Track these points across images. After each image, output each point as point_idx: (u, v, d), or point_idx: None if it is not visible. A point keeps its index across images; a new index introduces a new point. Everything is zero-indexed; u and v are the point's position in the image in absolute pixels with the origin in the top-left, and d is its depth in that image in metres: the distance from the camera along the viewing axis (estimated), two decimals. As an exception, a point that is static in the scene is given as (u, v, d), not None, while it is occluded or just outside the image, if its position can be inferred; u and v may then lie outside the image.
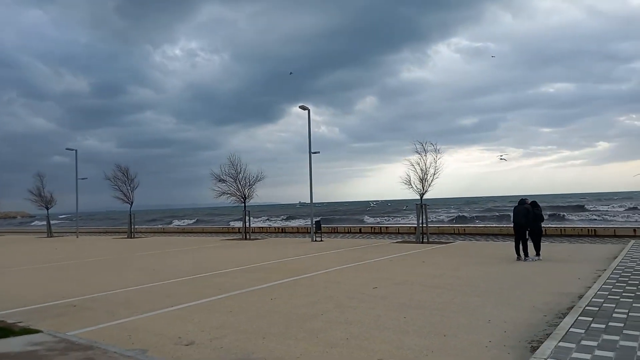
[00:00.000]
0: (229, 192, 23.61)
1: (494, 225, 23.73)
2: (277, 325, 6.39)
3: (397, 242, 18.95)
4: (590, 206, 53.33)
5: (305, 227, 28.09)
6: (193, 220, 61.82)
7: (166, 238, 28.68)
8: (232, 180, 23.73)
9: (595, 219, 35.79)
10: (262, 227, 31.40)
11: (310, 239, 21.14)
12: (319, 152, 21.49)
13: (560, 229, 20.39)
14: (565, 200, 73.03)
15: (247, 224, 23.74)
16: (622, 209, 47.06)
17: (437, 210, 53.94)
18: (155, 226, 47.33)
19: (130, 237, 28.78)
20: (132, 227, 29.46)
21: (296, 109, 21.68)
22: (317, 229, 20.91)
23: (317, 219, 22.20)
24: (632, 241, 15.89)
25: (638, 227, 19.42)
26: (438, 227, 23.99)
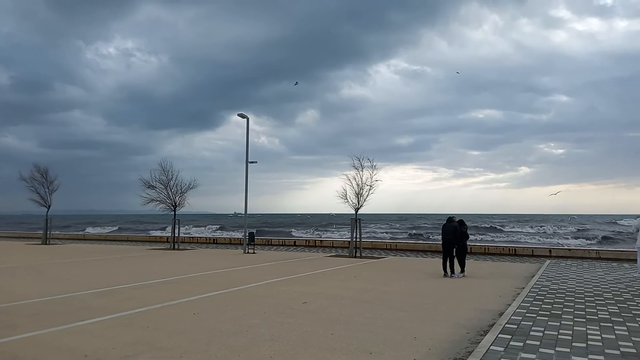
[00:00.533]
0: (159, 199, 22.57)
1: (424, 242, 24.49)
2: (197, 341, 6.01)
3: (330, 256, 18.94)
4: (511, 227, 56.71)
5: (238, 238, 27.43)
6: (115, 228, 58.49)
7: (86, 245, 26.83)
8: (163, 187, 22.74)
9: (516, 239, 38.02)
10: (192, 237, 30.23)
11: (242, 250, 20.62)
12: (256, 162, 21.14)
13: (484, 247, 21.38)
14: (489, 220, 77.27)
15: (176, 233, 22.76)
16: (538, 230, 50.49)
17: (368, 225, 54.98)
18: (76, 232, 44.24)
19: (46, 244, 26.63)
20: (48, 232, 27.31)
21: (236, 117, 21.18)
22: (250, 241, 20.46)
23: (251, 230, 21.72)
24: (548, 261, 16.93)
25: (553, 248, 20.81)
26: (371, 242, 24.34)
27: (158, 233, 40.85)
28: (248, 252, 20.13)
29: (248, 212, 21.22)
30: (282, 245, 24.73)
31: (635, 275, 12.47)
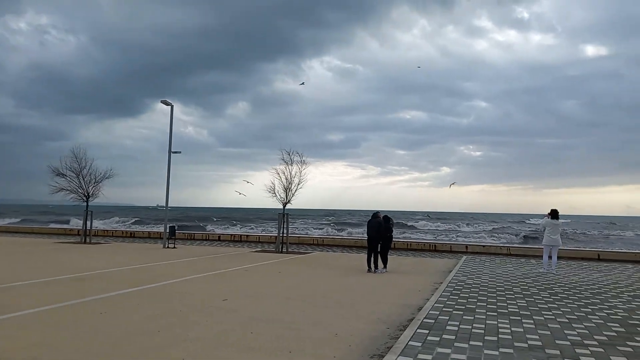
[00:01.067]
0: (69, 188, 20.87)
1: (349, 238, 24.88)
2: (105, 343, 5.50)
3: (256, 252, 18.60)
4: (432, 223, 59.45)
5: (158, 232, 26.15)
6: (17, 220, 53.51)
7: (-14, 238, 24.26)
8: (75, 176, 21.05)
9: (436, 236, 39.85)
10: (106, 230, 28.37)
11: (162, 245, 19.66)
12: (180, 152, 20.20)
13: (407, 243, 22.13)
14: (413, 217, 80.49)
15: (88, 225, 21.21)
16: (455, 227, 53.38)
17: (296, 220, 55.06)
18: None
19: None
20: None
21: (162, 105, 20.11)
22: (171, 235, 19.55)
23: (172, 224, 20.78)
24: (464, 257, 17.83)
25: (469, 244, 22.02)
26: (298, 237, 24.30)
27: (70, 225, 38.03)
28: (168, 247, 19.24)
29: (172, 205, 20.28)
30: (206, 239, 23.95)
31: (541, 270, 13.42)
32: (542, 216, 14.02)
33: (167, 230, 19.52)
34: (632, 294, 9.79)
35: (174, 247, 19.16)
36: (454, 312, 7.43)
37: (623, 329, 6.50)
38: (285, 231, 18.38)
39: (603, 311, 7.76)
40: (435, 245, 21.54)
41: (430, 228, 51.75)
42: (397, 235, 42.96)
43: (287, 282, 10.84)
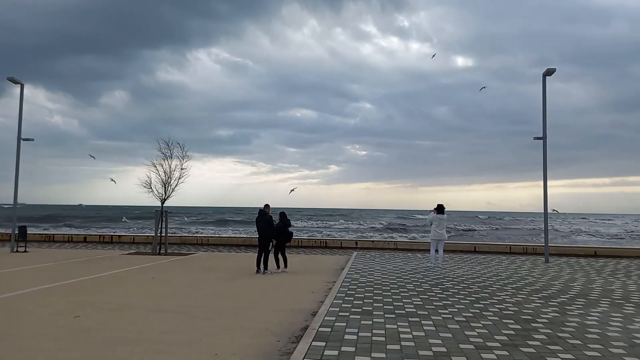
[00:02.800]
0: None
1: (238, 236, 23.56)
2: None
3: (128, 254, 16.46)
4: (322, 220, 60.30)
5: (6, 233, 22.20)
6: None
7: None
8: None
9: (326, 232, 40.12)
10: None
11: (10, 248, 16.51)
12: (32, 140, 17.05)
13: (298, 241, 21.50)
14: (303, 214, 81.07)
15: None
16: (343, 223, 54.67)
17: (175, 218, 51.92)
18: None
19: None
20: None
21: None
22: (21, 237, 16.47)
23: (23, 224, 17.63)
24: (355, 252, 17.64)
25: (359, 240, 22.11)
26: (180, 236, 22.33)
27: None
28: (17, 251, 16.19)
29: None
30: (69, 241, 20.86)
31: (428, 265, 13.55)
32: (427, 212, 14.17)
33: (16, 231, 16.40)
34: (514, 285, 10.06)
35: (25, 251, 16.15)
36: (351, 316, 6.73)
37: (519, 326, 6.32)
38: (163, 230, 16.52)
39: (495, 306, 7.66)
40: (326, 242, 21.22)
41: (317, 225, 52.26)
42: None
43: (161, 289, 9.36)
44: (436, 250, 13.56)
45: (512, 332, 5.97)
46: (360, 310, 7.17)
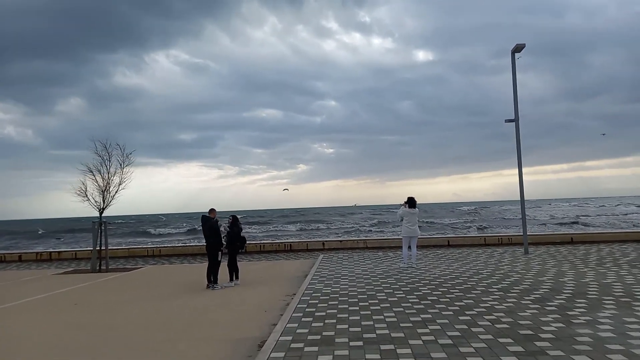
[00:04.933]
0: None
1: (194, 245, 21.64)
2: None
3: (63, 273, 14.41)
4: (291, 222, 58.59)
5: None
6: None
7: None
8: None
9: (293, 235, 38.53)
10: None
11: None
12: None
13: (260, 245, 19.83)
14: (273, 215, 79.10)
15: None
16: (312, 223, 53.14)
17: (112, 229, 49.32)
18: None
19: None
20: None
21: None
22: None
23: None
24: (321, 255, 16.13)
25: (326, 241, 20.59)
26: (129, 249, 20.22)
27: None
28: None
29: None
30: (1, 261, 18.50)
31: (401, 265, 12.17)
32: (397, 206, 12.77)
33: None
34: (499, 286, 8.76)
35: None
36: (307, 348, 5.19)
37: (521, 347, 4.92)
38: (103, 244, 14.54)
39: (484, 318, 6.27)
40: (290, 245, 19.59)
41: (288, 227, 50.57)
42: (254, 235, 40.55)
43: (79, 318, 7.57)
44: (409, 248, 12.18)
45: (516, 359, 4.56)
46: (319, 337, 5.62)
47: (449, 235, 22.99)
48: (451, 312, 6.63)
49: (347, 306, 7.36)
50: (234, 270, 10.76)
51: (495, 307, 6.91)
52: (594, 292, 7.75)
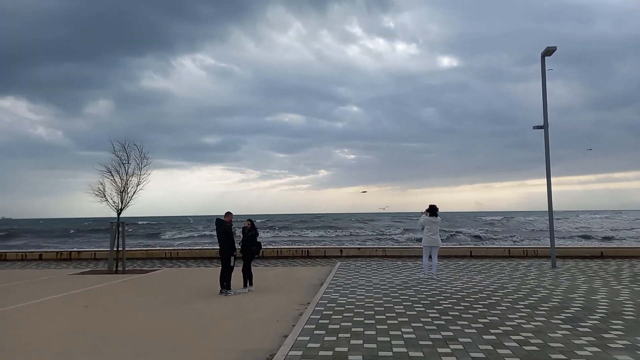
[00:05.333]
0: None
1: (212, 248, 21.47)
2: None
3: (81, 273, 14.40)
4: (309, 227, 58.25)
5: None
6: None
7: None
8: None
9: (312, 240, 38.22)
10: None
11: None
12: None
13: (277, 251, 19.58)
14: (293, 220, 78.93)
15: None
16: (336, 232, 52.63)
17: (129, 231, 49.74)
18: None
19: None
20: None
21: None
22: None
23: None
24: (338, 262, 15.78)
25: (344, 248, 20.20)
26: (146, 250, 20.22)
27: None
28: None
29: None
30: (22, 259, 18.72)
31: (420, 275, 11.71)
32: (419, 214, 12.29)
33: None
34: (525, 302, 8.25)
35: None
36: (317, 364, 4.85)
37: (552, 374, 4.47)
38: (121, 245, 14.50)
39: (510, 338, 5.81)
40: (308, 251, 19.29)
41: (308, 233, 50.24)
42: (270, 239, 40.29)
43: (88, 321, 7.39)
44: (430, 258, 11.71)
45: (546, 388, 4.12)
46: (331, 353, 5.27)
47: (471, 246, 22.31)
48: (474, 330, 6.19)
49: (362, 319, 6.99)
50: (247, 276, 10.50)
51: (523, 325, 6.43)
52: (630, 313, 7.19)
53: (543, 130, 14.18)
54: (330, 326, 6.61)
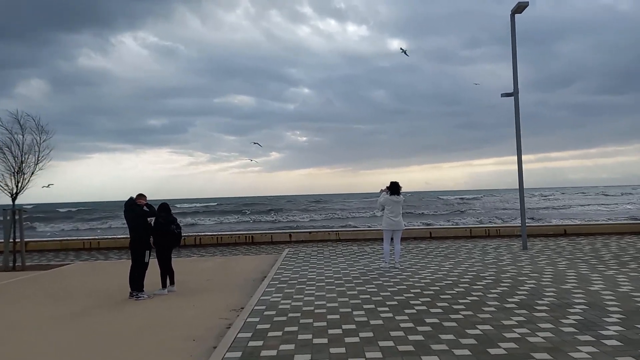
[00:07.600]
0: None
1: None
2: None
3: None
4: (260, 211, 55.85)
5: None
6: None
7: None
8: None
9: (258, 225, 36.07)
10: None
11: None
12: None
13: (217, 237, 17.37)
14: (242, 202, 75.93)
15: None
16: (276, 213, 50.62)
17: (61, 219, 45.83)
18: None
19: None
20: None
21: None
22: None
23: None
24: (287, 249, 13.83)
25: (293, 232, 18.24)
26: (61, 240, 17.40)
27: None
28: None
29: None
30: None
31: (381, 265, 9.95)
32: (376, 194, 10.40)
33: None
34: (515, 299, 6.62)
35: None
36: None
37: None
38: (17, 237, 11.81)
39: (498, 346, 4.06)
40: (252, 237, 17.18)
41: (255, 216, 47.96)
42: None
43: None
44: (391, 243, 9.94)
45: None
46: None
47: (431, 227, 21.03)
48: (467, 351, 4.39)
49: (310, 336, 5.04)
50: (167, 273, 8.30)
51: (528, 339, 4.71)
52: (637, 306, 5.69)
53: (513, 98, 12.72)
54: (266, 343, 4.64)
